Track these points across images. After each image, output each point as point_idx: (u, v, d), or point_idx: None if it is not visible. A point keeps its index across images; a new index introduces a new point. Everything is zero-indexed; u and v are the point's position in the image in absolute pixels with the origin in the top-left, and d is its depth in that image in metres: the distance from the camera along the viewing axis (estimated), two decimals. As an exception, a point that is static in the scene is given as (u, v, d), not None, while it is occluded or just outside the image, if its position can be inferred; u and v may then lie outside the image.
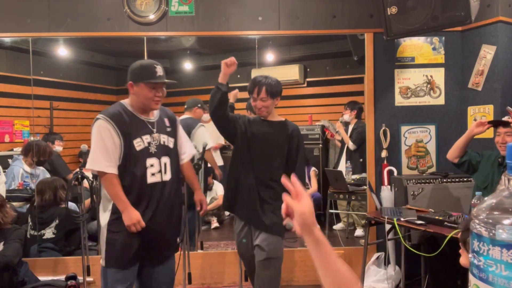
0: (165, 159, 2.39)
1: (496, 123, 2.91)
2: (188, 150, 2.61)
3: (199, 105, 4.52)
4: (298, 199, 0.95)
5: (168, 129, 2.47)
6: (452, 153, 3.02)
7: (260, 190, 2.66)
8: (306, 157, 2.66)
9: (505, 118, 2.87)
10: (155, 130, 2.38)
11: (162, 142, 2.40)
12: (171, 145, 2.44)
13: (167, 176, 2.40)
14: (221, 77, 2.70)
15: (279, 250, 2.69)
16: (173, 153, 2.46)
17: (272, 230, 2.62)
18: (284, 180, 1.00)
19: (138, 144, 2.31)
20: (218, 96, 2.62)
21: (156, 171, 2.35)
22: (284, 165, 2.68)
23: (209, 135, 4.37)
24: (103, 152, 2.25)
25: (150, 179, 2.33)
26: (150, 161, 2.33)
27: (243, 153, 2.73)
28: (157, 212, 2.36)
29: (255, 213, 2.65)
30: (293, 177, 0.98)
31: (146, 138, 2.34)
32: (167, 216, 2.43)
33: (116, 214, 2.30)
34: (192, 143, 4.32)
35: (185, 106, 4.52)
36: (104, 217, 2.33)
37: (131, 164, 2.29)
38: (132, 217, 2.24)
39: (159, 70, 2.34)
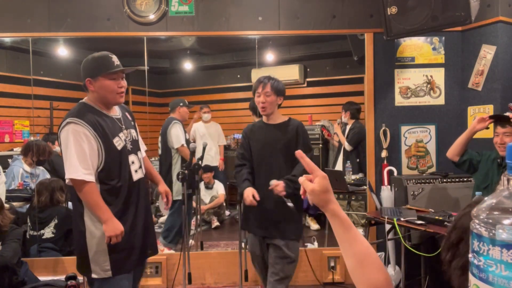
0: (139, 154, 2.33)
1: (497, 118, 2.88)
2: (143, 144, 2.52)
3: (181, 104, 4.54)
4: (313, 176, 0.98)
5: (132, 123, 2.38)
6: (453, 151, 2.97)
7: (271, 197, 2.64)
8: (312, 150, 2.84)
9: (508, 114, 2.85)
10: (123, 126, 2.26)
11: (133, 137, 2.30)
12: (137, 138, 2.38)
13: (143, 171, 2.34)
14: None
15: (297, 251, 2.80)
16: (139, 146, 2.41)
17: (291, 236, 2.71)
18: (298, 154, 1.04)
19: (118, 143, 2.18)
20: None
21: (138, 167, 2.27)
22: (292, 165, 2.67)
23: (183, 133, 4.39)
24: (81, 159, 2.06)
25: (135, 176, 2.24)
26: (131, 158, 2.24)
27: (254, 163, 2.79)
28: (146, 208, 2.33)
29: (271, 223, 2.70)
30: (301, 153, 1.02)
31: (122, 136, 2.21)
32: (150, 213, 2.42)
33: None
34: (169, 139, 4.31)
35: (169, 109, 4.57)
36: (99, 228, 2.13)
37: (115, 165, 2.16)
38: (117, 227, 2.09)
39: (116, 60, 2.18)
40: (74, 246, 2.32)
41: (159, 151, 4.55)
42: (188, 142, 4.47)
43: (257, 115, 3.39)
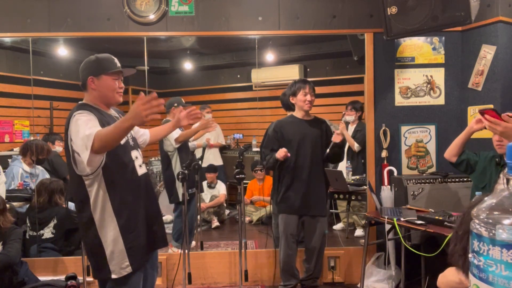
0: (140, 151, 2.38)
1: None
2: (143, 132, 2.58)
3: (176, 104, 4.35)
4: None
5: None
6: (450, 152, 2.97)
7: (310, 180, 3.26)
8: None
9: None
10: None
11: (132, 135, 2.35)
12: (135, 136, 2.42)
13: (145, 167, 2.38)
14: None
15: (327, 226, 3.48)
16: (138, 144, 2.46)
17: (322, 215, 3.35)
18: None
19: None
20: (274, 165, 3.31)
21: (141, 162, 2.31)
22: (322, 153, 3.30)
23: (176, 131, 4.17)
24: (91, 125, 1.99)
25: (139, 171, 2.27)
26: (134, 153, 2.27)
27: (290, 156, 3.24)
28: (153, 202, 2.35)
29: (308, 204, 3.27)
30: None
31: None
32: (157, 205, 2.43)
33: (123, 216, 2.15)
34: (166, 142, 4.21)
35: (165, 110, 4.40)
36: (111, 228, 2.13)
37: (119, 159, 2.17)
38: (137, 105, 1.84)
39: (117, 62, 2.26)
40: (88, 254, 2.27)
41: (160, 154, 4.46)
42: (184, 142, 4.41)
43: (287, 110, 3.71)
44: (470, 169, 2.95)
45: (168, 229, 4.92)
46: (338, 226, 4.93)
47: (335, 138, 3.18)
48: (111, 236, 2.12)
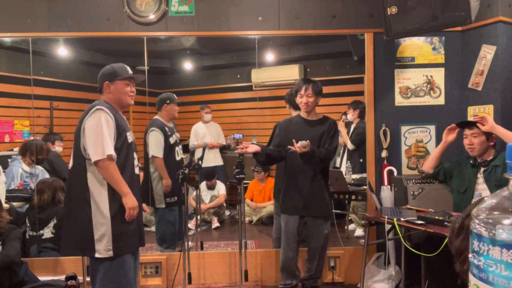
0: (136, 156, 2.69)
1: (463, 124, 3.07)
2: None
3: (168, 102, 4.13)
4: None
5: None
6: (428, 164, 3.24)
7: (312, 181, 3.22)
8: (336, 146, 3.36)
9: (473, 119, 2.95)
10: (130, 127, 2.68)
11: (134, 139, 2.67)
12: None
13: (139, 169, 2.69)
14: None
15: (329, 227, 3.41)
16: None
17: (324, 216, 3.30)
18: None
19: (129, 137, 2.56)
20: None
21: (137, 163, 2.64)
22: None
23: (161, 143, 4.05)
24: (110, 140, 2.41)
25: (136, 170, 2.61)
26: (134, 154, 2.62)
27: (291, 156, 3.25)
28: (140, 202, 2.63)
29: (310, 205, 3.24)
30: None
31: (131, 133, 2.61)
32: (142, 206, 2.74)
33: (117, 204, 2.44)
34: (148, 144, 4.11)
35: (156, 107, 4.22)
36: (104, 212, 2.43)
37: (123, 155, 2.50)
38: (134, 201, 2.46)
39: (129, 69, 2.66)
40: (76, 229, 2.49)
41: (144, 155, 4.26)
42: (170, 146, 4.14)
43: (294, 109, 3.78)
44: (449, 176, 3.17)
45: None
46: (351, 227, 4.83)
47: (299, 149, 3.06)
48: (102, 220, 2.41)
